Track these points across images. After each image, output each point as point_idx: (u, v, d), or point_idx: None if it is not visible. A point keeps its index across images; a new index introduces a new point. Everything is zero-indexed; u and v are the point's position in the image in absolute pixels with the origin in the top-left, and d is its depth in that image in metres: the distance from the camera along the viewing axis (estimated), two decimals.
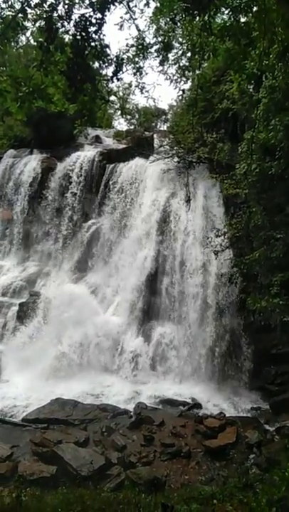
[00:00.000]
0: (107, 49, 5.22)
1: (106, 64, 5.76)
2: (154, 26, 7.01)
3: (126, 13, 5.92)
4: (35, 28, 5.52)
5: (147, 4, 6.00)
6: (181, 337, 11.88)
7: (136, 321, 12.68)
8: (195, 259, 12.53)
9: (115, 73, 5.55)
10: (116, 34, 6.77)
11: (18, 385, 10.85)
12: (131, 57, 6.79)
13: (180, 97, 15.87)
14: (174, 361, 11.64)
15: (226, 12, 5.68)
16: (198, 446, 8.41)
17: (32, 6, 4.77)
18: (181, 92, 7.93)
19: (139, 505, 4.76)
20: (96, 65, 5.78)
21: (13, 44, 6.05)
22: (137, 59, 6.82)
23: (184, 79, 9.07)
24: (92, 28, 5.04)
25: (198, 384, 11.03)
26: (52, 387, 10.63)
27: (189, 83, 12.54)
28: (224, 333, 11.37)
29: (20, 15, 4.90)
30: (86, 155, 17.14)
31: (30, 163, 17.63)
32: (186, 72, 8.38)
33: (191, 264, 12.56)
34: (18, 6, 5.02)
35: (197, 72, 8.19)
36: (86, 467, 7.18)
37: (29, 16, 5.21)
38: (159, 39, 7.19)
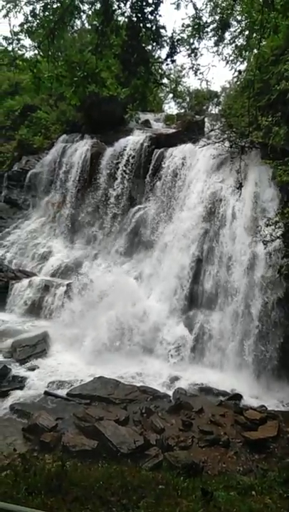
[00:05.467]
0: (163, 30, 5.11)
1: (160, 46, 5.65)
2: (212, 4, 6.73)
3: None
4: (90, 12, 5.53)
5: None
6: (224, 327, 11.71)
7: (178, 308, 12.69)
8: (242, 249, 12.17)
9: (170, 55, 5.43)
10: (171, 14, 6.58)
11: (64, 361, 11.37)
12: (186, 37, 6.59)
13: (235, 79, 15.19)
14: (216, 350, 11.53)
15: None
16: (237, 437, 8.34)
17: None
18: (237, 73, 7.58)
19: (177, 487, 4.86)
20: (149, 47, 5.69)
21: (68, 28, 6.10)
22: (192, 40, 6.61)
23: (241, 59, 8.67)
24: (149, 9, 4.94)
25: (239, 375, 10.86)
26: (94, 366, 11.02)
27: (245, 64, 11.99)
28: (270, 325, 11.00)
29: None
30: (135, 140, 17.15)
31: (81, 149, 18.01)
32: (244, 52, 8.00)
33: (238, 253, 12.22)
34: None
35: (255, 51, 7.77)
36: (126, 445, 7.40)
37: None
38: (216, 17, 6.89)
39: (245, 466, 7.47)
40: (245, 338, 11.23)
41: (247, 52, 8.30)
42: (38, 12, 4.99)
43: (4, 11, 5.01)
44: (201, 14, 6.38)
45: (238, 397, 9.96)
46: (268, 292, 11.18)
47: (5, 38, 5.43)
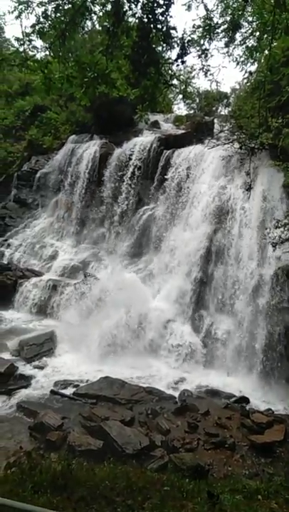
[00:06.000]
0: (174, 31, 5.10)
1: (171, 47, 5.64)
2: (223, 5, 6.69)
3: None
4: (101, 13, 5.55)
5: None
6: (232, 329, 11.64)
7: (185, 309, 12.65)
8: (250, 251, 12.10)
9: (180, 56, 5.42)
10: (182, 15, 6.57)
11: (70, 361, 11.44)
12: (196, 38, 6.57)
13: (245, 80, 15.12)
14: (223, 353, 11.47)
15: None
16: (243, 440, 8.29)
17: None
18: (247, 75, 7.52)
19: (183, 489, 4.84)
20: (159, 48, 5.68)
21: (79, 29, 6.12)
22: (202, 41, 6.58)
23: (251, 60, 8.60)
24: (160, 10, 4.95)
25: (246, 378, 10.78)
26: (100, 366, 11.07)
27: (256, 65, 11.89)
28: (278, 328, 10.88)
29: None
30: (143, 141, 17.17)
31: (89, 149, 18.09)
32: (254, 53, 7.94)
33: (246, 255, 12.15)
34: None
35: (266, 52, 7.70)
36: (131, 445, 7.40)
37: (97, 0, 5.24)
38: (227, 18, 6.85)
39: (251, 469, 7.41)
40: (253, 340, 11.14)
41: (258, 54, 8.21)
42: (49, 13, 5.02)
43: (16, 12, 5.05)
44: (212, 15, 6.35)
45: (244, 399, 9.90)
46: (277, 294, 11.07)
47: (17, 39, 5.45)
